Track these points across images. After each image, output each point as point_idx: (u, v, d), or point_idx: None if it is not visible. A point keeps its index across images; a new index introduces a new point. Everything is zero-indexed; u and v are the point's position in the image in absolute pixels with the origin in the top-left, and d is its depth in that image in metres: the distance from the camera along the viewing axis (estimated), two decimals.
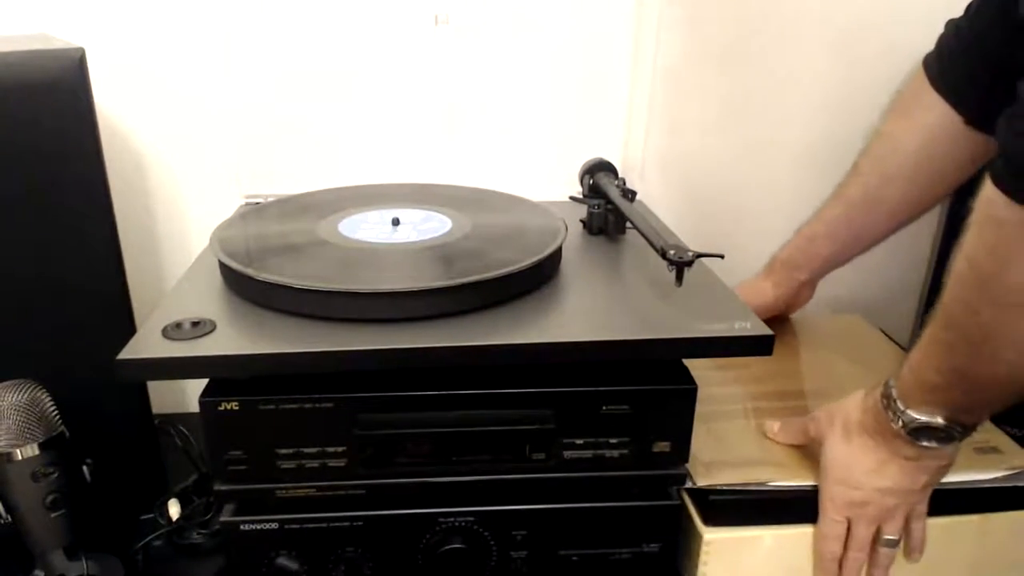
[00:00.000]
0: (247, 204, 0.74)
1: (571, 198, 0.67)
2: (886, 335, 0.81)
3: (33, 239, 0.58)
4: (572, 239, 0.64)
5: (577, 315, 0.51)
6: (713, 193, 0.84)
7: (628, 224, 0.64)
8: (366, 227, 0.58)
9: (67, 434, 0.54)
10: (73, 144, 0.57)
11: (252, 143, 0.75)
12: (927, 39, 0.78)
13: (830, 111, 0.81)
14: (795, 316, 0.86)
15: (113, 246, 0.61)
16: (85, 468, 0.56)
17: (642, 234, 0.53)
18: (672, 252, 0.48)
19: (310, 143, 0.77)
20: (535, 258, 0.52)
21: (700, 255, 0.48)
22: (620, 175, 0.69)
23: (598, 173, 0.68)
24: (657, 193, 0.79)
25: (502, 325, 0.48)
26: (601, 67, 0.77)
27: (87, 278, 0.60)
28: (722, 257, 0.49)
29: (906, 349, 0.79)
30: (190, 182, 0.78)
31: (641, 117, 0.79)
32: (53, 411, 0.53)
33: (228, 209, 0.72)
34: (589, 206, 0.66)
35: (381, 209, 0.62)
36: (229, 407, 0.46)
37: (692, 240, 0.56)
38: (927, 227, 0.86)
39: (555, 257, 0.56)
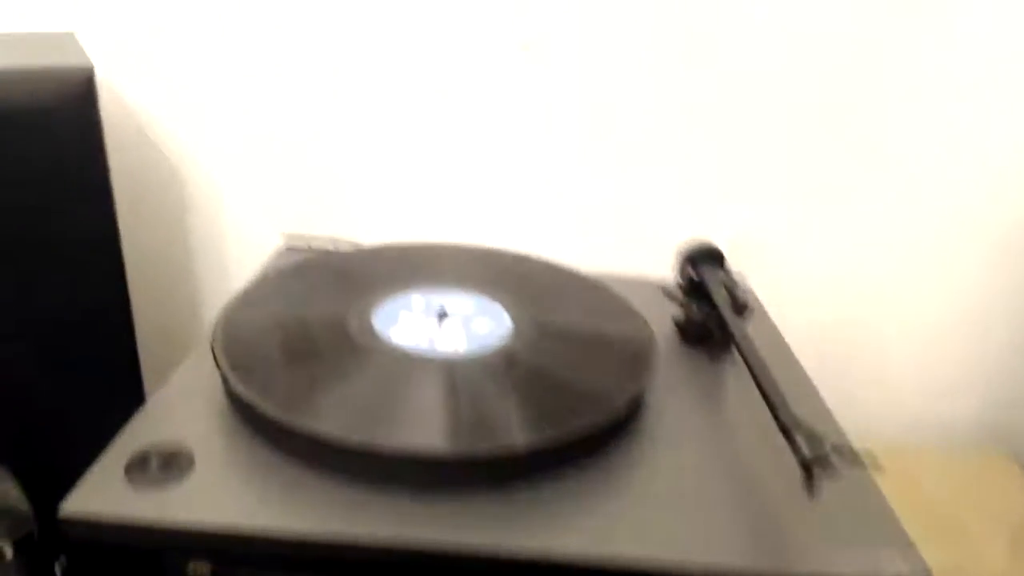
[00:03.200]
0: (288, 248, 0.64)
1: (664, 292, 0.54)
2: None
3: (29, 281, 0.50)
4: (662, 349, 0.51)
5: (649, 508, 0.37)
6: (809, 287, 0.69)
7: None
8: (406, 320, 0.47)
9: (35, 533, 0.46)
10: (76, 174, 0.49)
11: (296, 176, 0.65)
12: None
13: (980, 180, 0.65)
14: (922, 444, 0.71)
15: (120, 294, 0.53)
16: (57, 567, 0.48)
17: (762, 393, 0.40)
18: (806, 446, 0.35)
19: (364, 180, 0.66)
20: (607, 416, 0.40)
21: (852, 457, 0.35)
22: (728, 266, 0.55)
23: (703, 265, 0.54)
24: (774, 291, 0.65)
25: (544, 515, 0.36)
26: (722, 108, 0.63)
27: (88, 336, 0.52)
28: (878, 468, 0.35)
29: None
30: (228, 215, 0.69)
31: (768, 177, 0.64)
32: (21, 505, 0.45)
33: (266, 247, 0.62)
34: (688, 310, 0.53)
35: (426, 290, 0.51)
36: (199, 572, 0.36)
37: (820, 363, 0.43)
38: None
39: (636, 403, 0.43)
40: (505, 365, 0.43)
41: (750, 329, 0.47)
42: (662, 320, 0.54)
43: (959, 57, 0.61)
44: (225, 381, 0.40)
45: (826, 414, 0.46)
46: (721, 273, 0.54)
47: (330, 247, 0.64)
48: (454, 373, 0.42)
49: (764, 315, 0.58)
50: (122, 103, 0.65)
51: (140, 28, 0.63)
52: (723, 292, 0.51)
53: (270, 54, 0.62)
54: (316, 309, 0.48)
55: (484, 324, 0.47)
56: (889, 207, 0.66)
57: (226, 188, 0.68)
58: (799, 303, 0.69)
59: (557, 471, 0.38)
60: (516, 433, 0.38)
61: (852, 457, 0.35)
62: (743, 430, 0.44)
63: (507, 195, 0.66)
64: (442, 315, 0.47)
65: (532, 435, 0.38)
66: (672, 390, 0.47)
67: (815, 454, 0.34)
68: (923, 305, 0.69)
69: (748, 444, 0.43)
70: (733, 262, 0.61)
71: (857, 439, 0.72)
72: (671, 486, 0.39)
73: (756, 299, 0.60)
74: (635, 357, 0.46)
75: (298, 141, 0.65)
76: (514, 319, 0.48)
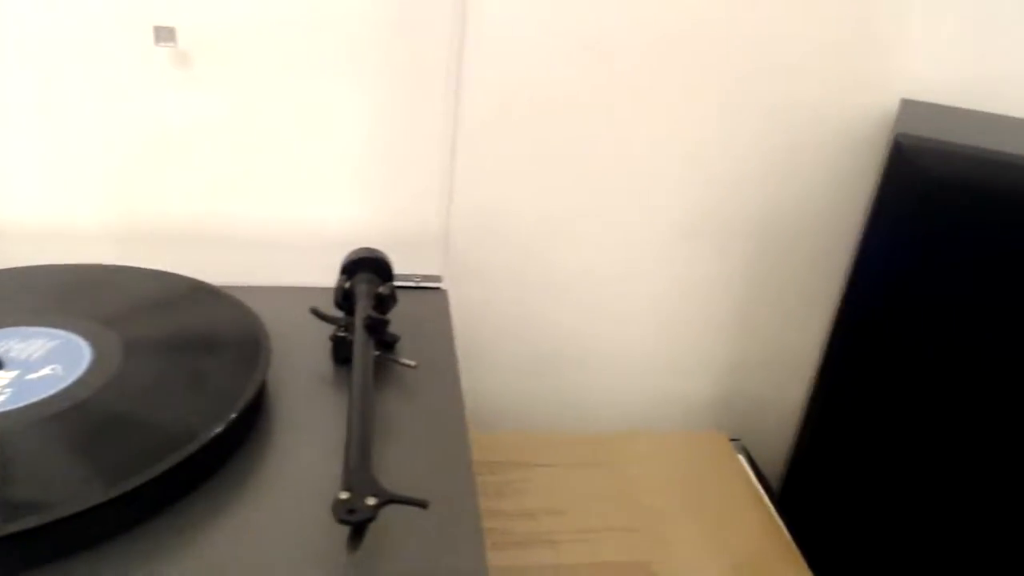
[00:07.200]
0: None
1: (312, 311, 0.48)
2: (750, 460, 0.65)
3: None
4: (310, 369, 0.46)
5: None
6: (564, 281, 0.66)
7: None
8: None
9: None
10: None
11: None
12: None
13: (712, 176, 0.64)
14: (639, 425, 0.70)
15: None
16: None
17: (347, 427, 0.34)
18: (344, 496, 0.30)
19: None
20: (169, 464, 0.33)
21: (391, 501, 0.30)
22: (396, 273, 0.50)
23: (359, 274, 0.49)
24: (479, 280, 0.61)
25: None
26: (391, 97, 0.57)
27: None
28: (424, 506, 0.31)
29: (767, 484, 0.63)
30: None
31: (442, 165, 0.59)
32: None
33: None
34: (336, 327, 0.47)
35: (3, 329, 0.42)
36: None
37: (516, 355, 0.38)
38: (817, 326, 0.71)
39: (216, 443, 0.37)
40: (62, 416, 0.36)
41: (413, 343, 0.43)
42: (325, 336, 0.48)
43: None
44: None
45: (460, 441, 0.42)
46: (377, 283, 0.49)
47: None
48: None
49: (446, 328, 0.54)
50: None
51: None
52: (366, 306, 0.46)
53: None
54: None
55: (49, 369, 0.39)
56: (615, 192, 0.63)
57: None
58: (521, 295, 0.66)
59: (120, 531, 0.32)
60: (60, 497, 0.31)
61: (407, 501, 0.31)
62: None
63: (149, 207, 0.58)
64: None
65: (74, 498, 0.31)
66: (303, 415, 0.42)
67: (351, 508, 0.30)
68: (649, 289, 0.67)
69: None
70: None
71: (579, 426, 0.72)
72: (249, 539, 0.33)
73: (446, 312, 0.56)
74: (234, 387, 0.39)
75: None
76: (96, 352, 0.40)
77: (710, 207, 0.65)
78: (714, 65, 0.61)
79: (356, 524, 0.29)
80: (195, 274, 0.50)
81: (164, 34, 0.53)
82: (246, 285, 0.51)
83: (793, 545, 0.53)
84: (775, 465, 0.72)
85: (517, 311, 0.64)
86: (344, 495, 0.30)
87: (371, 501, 0.30)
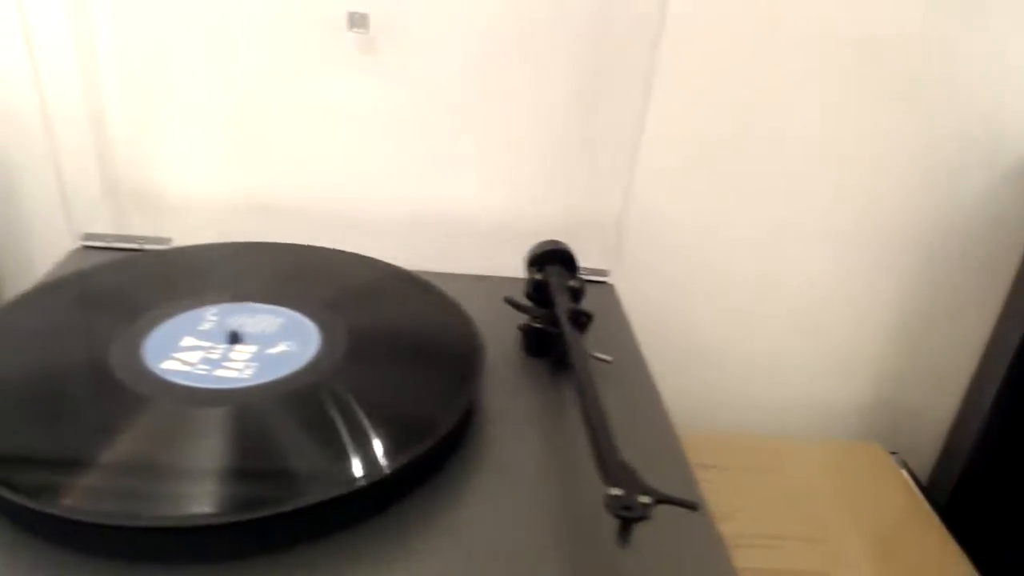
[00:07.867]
0: (84, 247, 0.55)
1: (506, 300, 0.49)
2: (909, 472, 0.63)
3: None
4: (501, 358, 0.46)
5: (456, 560, 0.33)
6: (722, 282, 0.65)
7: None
8: (189, 344, 0.40)
9: None
10: None
11: (92, 157, 0.55)
12: None
13: (879, 181, 0.63)
14: (797, 436, 0.69)
15: None
16: None
17: (586, 425, 0.35)
18: (617, 492, 0.30)
19: (177, 171, 0.58)
20: (409, 458, 0.34)
21: (663, 500, 0.30)
22: (580, 266, 0.51)
23: (549, 267, 0.49)
24: (639, 277, 0.61)
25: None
26: (573, 91, 0.57)
27: None
28: (695, 508, 0.31)
29: (932, 500, 0.61)
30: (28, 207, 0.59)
31: (622, 165, 0.59)
32: None
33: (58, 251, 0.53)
34: (531, 317, 0.48)
35: (226, 303, 0.43)
36: None
37: (683, 354, 0.38)
38: (973, 339, 0.69)
39: (448, 438, 0.37)
40: (299, 399, 0.37)
41: (592, 338, 0.43)
42: (510, 325, 0.49)
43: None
44: None
45: (669, 438, 0.42)
46: (568, 276, 0.49)
47: (135, 246, 0.55)
48: (233, 415, 0.35)
49: (623, 322, 0.54)
50: None
51: None
52: (566, 299, 0.46)
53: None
54: (67, 341, 0.40)
55: (285, 345, 0.40)
56: (776, 196, 0.62)
57: (27, 176, 0.58)
58: (680, 293, 0.66)
59: (352, 522, 0.33)
60: (300, 487, 0.32)
61: (678, 502, 0.31)
62: (578, 453, 0.40)
63: (345, 190, 0.59)
64: (234, 337, 0.40)
65: (315, 490, 0.32)
66: (506, 407, 0.42)
67: (626, 505, 0.30)
68: (806, 294, 0.66)
69: (580, 467, 0.38)
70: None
71: (733, 427, 0.72)
72: (487, 531, 0.34)
73: (619, 306, 0.56)
74: (455, 381, 0.40)
75: (107, 125, 0.56)
76: (323, 336, 0.42)
77: (875, 212, 0.64)
78: (888, 72, 0.59)
79: (630, 521, 0.30)
80: (375, 256, 0.51)
81: (358, 20, 0.54)
82: (425, 270, 0.51)
83: (971, 565, 0.52)
84: (923, 478, 0.70)
85: (676, 309, 0.64)
86: (616, 491, 0.30)
87: (644, 500, 0.30)
